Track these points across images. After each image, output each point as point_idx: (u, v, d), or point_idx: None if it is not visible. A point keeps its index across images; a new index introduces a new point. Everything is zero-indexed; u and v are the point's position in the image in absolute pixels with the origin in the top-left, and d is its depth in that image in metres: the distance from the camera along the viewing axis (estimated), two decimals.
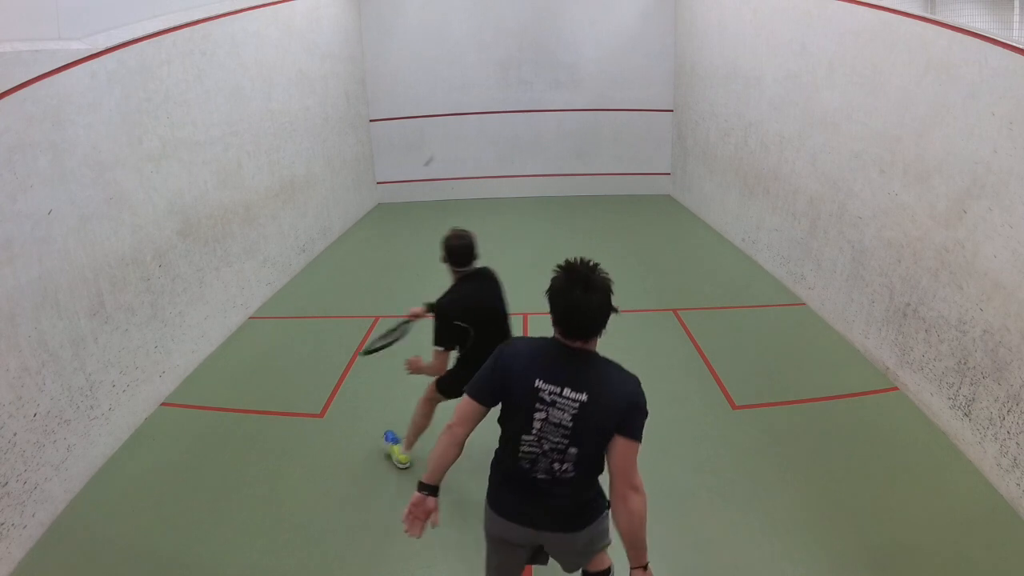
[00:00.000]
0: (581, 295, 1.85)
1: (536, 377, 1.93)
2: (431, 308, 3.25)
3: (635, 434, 1.91)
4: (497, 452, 2.14)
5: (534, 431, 1.96)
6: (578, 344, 1.93)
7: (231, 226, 5.64)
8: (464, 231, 3.26)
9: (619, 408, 1.90)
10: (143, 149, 4.37)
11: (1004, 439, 3.40)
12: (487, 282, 3.35)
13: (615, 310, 1.89)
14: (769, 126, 6.55)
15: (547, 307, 1.92)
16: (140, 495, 3.59)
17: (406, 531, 2.01)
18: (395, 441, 3.81)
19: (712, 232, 8.32)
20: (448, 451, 2.02)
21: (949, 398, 3.89)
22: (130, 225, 4.21)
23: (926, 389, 4.13)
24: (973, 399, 3.67)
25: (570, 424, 1.91)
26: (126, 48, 4.20)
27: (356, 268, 7.54)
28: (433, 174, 10.52)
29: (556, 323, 1.93)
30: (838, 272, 5.29)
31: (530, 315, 5.59)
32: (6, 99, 3.22)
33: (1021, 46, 3.36)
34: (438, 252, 3.32)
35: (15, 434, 3.18)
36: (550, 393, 1.92)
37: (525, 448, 1.99)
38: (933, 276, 4.06)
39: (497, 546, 2.23)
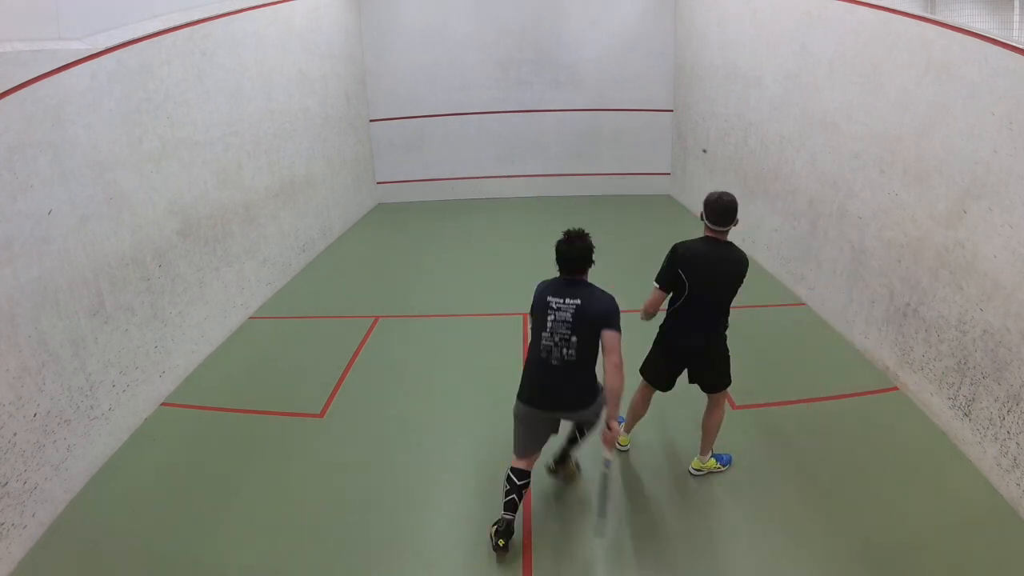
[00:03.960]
0: (567, 247, 2.91)
1: (550, 295, 2.94)
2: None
3: (615, 327, 2.87)
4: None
5: (548, 328, 2.92)
6: (573, 277, 2.96)
7: (231, 226, 5.64)
8: (726, 193, 3.18)
9: (602, 311, 2.87)
10: (143, 149, 4.37)
11: (1004, 439, 3.40)
12: (728, 254, 3.21)
13: (592, 261, 2.96)
14: (769, 126, 6.55)
15: None
16: (140, 495, 3.59)
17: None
18: (621, 422, 3.77)
19: None
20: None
21: (949, 398, 3.89)
22: (130, 225, 4.21)
23: (926, 389, 4.13)
24: (973, 399, 3.67)
25: (571, 319, 2.87)
26: (126, 48, 4.20)
27: (356, 268, 7.54)
28: (433, 174, 10.52)
29: (559, 264, 2.97)
30: (838, 272, 5.29)
31: (530, 315, 5.58)
32: (6, 99, 3.22)
33: (1021, 46, 3.36)
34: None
35: (15, 434, 3.18)
36: (559, 300, 2.90)
37: (543, 342, 2.94)
38: (933, 276, 4.06)
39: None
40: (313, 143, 7.72)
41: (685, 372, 3.52)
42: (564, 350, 2.90)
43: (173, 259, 4.71)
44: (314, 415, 4.34)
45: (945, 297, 3.94)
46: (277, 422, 4.27)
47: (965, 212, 3.75)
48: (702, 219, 3.23)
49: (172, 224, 4.71)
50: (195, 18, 5.06)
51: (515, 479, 3.05)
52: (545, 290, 2.99)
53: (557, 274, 3.02)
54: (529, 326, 3.11)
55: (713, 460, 3.62)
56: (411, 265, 7.41)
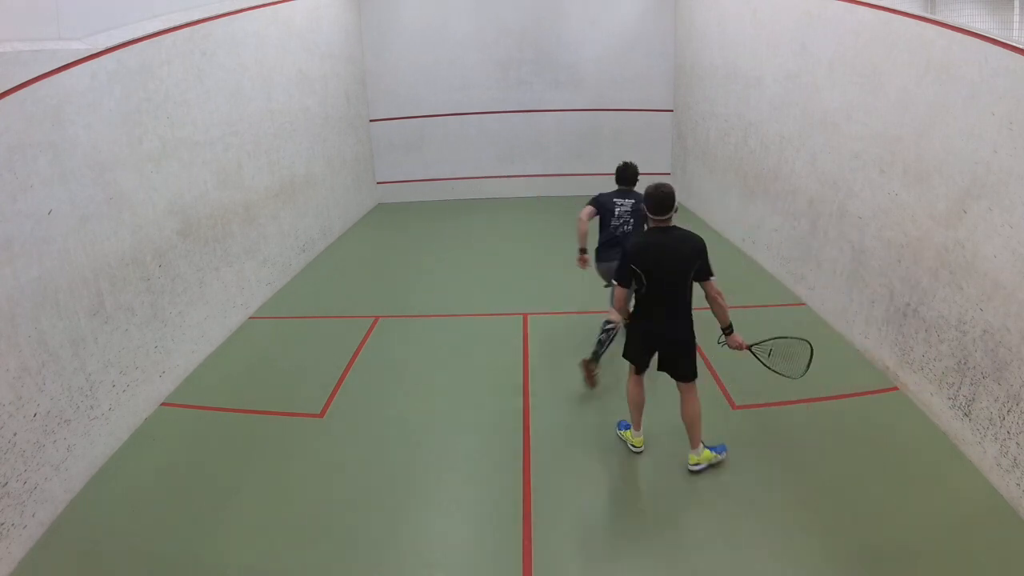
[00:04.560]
0: (625, 169, 4.98)
1: (615, 197, 4.83)
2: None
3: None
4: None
5: (616, 214, 4.77)
6: (627, 188, 4.89)
7: (231, 226, 5.64)
8: (664, 184, 3.43)
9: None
10: (143, 149, 4.37)
11: (1004, 439, 3.40)
12: (677, 239, 3.42)
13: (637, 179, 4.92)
14: (769, 126, 6.55)
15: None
16: (140, 495, 3.59)
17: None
18: (627, 427, 3.88)
19: (712, 232, 8.31)
20: (582, 226, 4.77)
21: (949, 398, 3.89)
22: (130, 225, 4.21)
23: (926, 389, 4.13)
24: (973, 399, 3.67)
25: (630, 210, 4.74)
26: (126, 48, 4.20)
27: (356, 268, 7.54)
28: (433, 174, 10.53)
29: (617, 180, 4.93)
30: (838, 272, 5.29)
31: (530, 315, 5.61)
32: (6, 99, 3.22)
33: (1021, 46, 3.36)
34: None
35: (15, 434, 3.18)
36: (622, 200, 4.80)
37: (613, 223, 4.77)
38: (933, 276, 4.06)
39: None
40: (313, 143, 7.72)
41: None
42: (625, 226, 4.75)
43: (173, 259, 4.71)
44: (314, 415, 4.34)
45: (945, 297, 3.94)
46: (277, 422, 4.27)
47: (965, 212, 3.75)
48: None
49: (172, 224, 4.71)
50: (195, 18, 5.07)
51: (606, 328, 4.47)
52: (609, 195, 4.83)
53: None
54: (598, 218, 4.79)
55: (708, 451, 3.65)
56: (411, 265, 7.41)
